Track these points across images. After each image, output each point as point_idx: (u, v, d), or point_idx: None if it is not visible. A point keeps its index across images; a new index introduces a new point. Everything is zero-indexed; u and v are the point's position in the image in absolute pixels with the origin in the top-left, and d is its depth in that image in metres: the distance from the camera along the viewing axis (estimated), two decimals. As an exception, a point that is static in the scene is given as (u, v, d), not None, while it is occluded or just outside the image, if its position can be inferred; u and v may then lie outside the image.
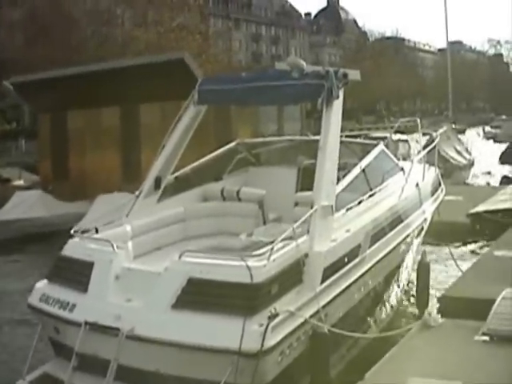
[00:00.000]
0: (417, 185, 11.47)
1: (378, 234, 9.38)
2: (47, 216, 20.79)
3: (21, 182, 28.26)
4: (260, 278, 7.09)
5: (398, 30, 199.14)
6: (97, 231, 8.63)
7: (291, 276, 7.61)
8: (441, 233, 13.83)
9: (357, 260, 8.71)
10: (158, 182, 9.63)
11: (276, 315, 7.01)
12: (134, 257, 8.70)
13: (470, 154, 35.82)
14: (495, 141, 62.16)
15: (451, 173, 28.40)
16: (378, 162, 10.62)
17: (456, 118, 63.74)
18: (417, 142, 22.44)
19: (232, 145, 11.62)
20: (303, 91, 8.96)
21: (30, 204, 21.55)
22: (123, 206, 9.41)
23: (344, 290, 8.31)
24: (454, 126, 42.18)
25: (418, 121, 13.92)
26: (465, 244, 16.89)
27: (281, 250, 7.51)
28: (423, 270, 11.64)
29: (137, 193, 9.45)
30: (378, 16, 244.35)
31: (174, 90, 15.57)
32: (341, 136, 9.10)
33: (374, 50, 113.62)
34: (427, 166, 12.61)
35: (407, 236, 10.63)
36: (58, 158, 25.33)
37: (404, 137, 27.98)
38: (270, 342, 6.86)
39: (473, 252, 16.21)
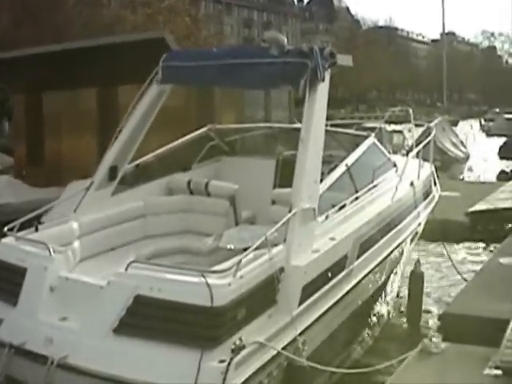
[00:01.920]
0: (411, 184, 10.14)
1: (367, 241, 8.11)
2: (16, 202, 19.43)
3: (-1, 169, 27.07)
4: (223, 300, 5.77)
5: (392, 18, 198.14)
6: (36, 229, 7.37)
7: (262, 297, 6.32)
8: (436, 233, 12.47)
9: (342, 274, 7.44)
10: (112, 171, 8.35)
11: (242, 347, 5.69)
12: (80, 260, 7.54)
13: (465, 146, 34.78)
14: (488, 134, 61.04)
15: (448, 166, 27.27)
16: (368, 157, 9.33)
17: (449, 109, 62.79)
18: (409, 131, 21.25)
19: (202, 130, 10.30)
20: (283, 71, 7.51)
21: None
22: (76, 197, 8.19)
23: (326, 312, 7.03)
24: (446, 116, 41.17)
25: (410, 110, 12.67)
26: (464, 245, 15.56)
27: (250, 264, 6.21)
28: (416, 281, 10.43)
29: (87, 184, 8.19)
30: (370, 4, 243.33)
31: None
32: (326, 125, 7.86)
33: (366, 39, 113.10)
34: (422, 161, 11.24)
35: (400, 243, 9.35)
36: (33, 142, 24.12)
37: (398, 127, 26.80)
38: (234, 381, 5.54)
39: (473, 254, 14.89)
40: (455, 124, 59.70)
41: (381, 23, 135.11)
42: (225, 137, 10.54)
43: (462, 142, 34.96)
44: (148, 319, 5.93)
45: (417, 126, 20.08)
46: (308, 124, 7.23)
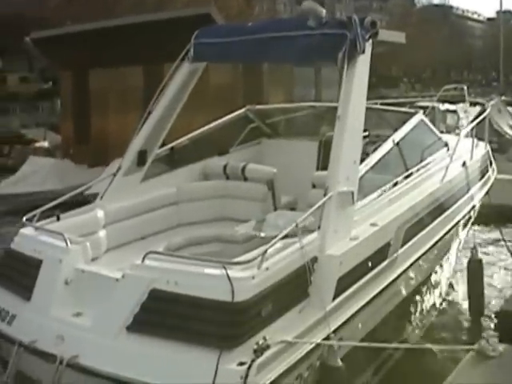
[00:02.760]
0: (463, 164, 9.41)
1: (413, 227, 7.46)
2: (60, 189, 19.13)
3: (45, 144, 27.04)
4: (245, 294, 5.22)
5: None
6: (58, 218, 6.92)
7: (292, 290, 5.73)
8: (492, 218, 11.69)
9: (384, 263, 6.83)
10: (142, 156, 7.86)
11: (266, 347, 5.13)
12: (106, 250, 7.16)
13: (523, 129, 33.56)
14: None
15: (506, 148, 26.24)
16: (416, 135, 8.67)
17: (505, 89, 61.29)
18: (465, 112, 20.38)
19: (241, 111, 9.73)
20: (319, 44, 6.88)
21: (42, 175, 20.07)
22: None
23: (365, 306, 6.43)
24: (503, 97, 39.97)
25: (465, 88, 11.89)
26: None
27: (278, 254, 5.65)
28: (475, 269, 9.54)
29: (114, 170, 7.74)
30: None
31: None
32: (375, 103, 7.25)
33: (420, 17, 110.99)
34: (476, 140, 10.48)
35: (451, 229, 8.66)
36: (80, 120, 24.06)
37: (452, 107, 25.82)
38: None
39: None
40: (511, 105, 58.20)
41: (435, 1, 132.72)
42: (265, 118, 9.98)
43: (519, 124, 33.80)
44: (163, 316, 5.41)
45: (471, 104, 19.11)
46: (346, 100, 6.61)
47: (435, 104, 17.57)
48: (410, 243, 7.35)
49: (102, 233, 7.23)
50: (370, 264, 6.55)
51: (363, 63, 6.82)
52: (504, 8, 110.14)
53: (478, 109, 17.89)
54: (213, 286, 5.28)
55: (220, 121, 9.38)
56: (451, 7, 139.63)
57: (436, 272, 9.03)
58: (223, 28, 8.36)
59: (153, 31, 19.58)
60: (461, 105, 22.06)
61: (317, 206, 6.14)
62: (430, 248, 7.92)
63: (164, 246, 7.05)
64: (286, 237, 5.78)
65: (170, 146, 8.55)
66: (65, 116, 25.91)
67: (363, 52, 6.74)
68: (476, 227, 11.26)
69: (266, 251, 5.45)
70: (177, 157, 8.59)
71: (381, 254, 6.79)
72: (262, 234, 6.76)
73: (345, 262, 6.16)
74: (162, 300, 5.43)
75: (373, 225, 6.82)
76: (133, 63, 21.66)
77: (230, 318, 5.21)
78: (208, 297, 5.25)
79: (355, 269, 6.32)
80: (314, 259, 5.96)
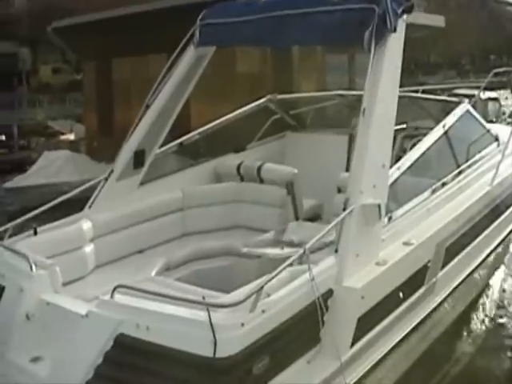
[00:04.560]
0: None
1: (457, 243, 6.27)
2: (77, 180, 18.17)
3: (71, 136, 26.25)
4: (231, 348, 4.09)
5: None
6: (35, 232, 5.86)
7: (298, 335, 4.57)
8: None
9: (420, 292, 5.66)
10: (139, 157, 6.78)
11: None
12: (95, 267, 6.16)
13: None
14: None
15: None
16: (462, 128, 7.44)
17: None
18: (506, 99, 19.24)
19: (261, 101, 8.54)
20: (343, 20, 5.62)
21: (57, 167, 19.15)
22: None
23: (393, 350, 5.27)
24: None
25: None
26: None
27: (280, 289, 4.50)
28: None
29: (106, 173, 6.68)
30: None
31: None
32: (415, 91, 6.04)
33: (458, 2, 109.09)
34: None
35: (502, 241, 7.45)
36: (103, 112, 23.20)
37: (493, 94, 24.27)
38: None
39: None
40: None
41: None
42: (289, 108, 8.83)
43: None
44: (129, 371, 4.30)
45: None
46: (374, 88, 5.37)
47: (480, 92, 16.33)
48: (452, 263, 6.20)
49: (88, 248, 6.17)
50: (401, 295, 5.39)
51: (395, 44, 5.57)
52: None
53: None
54: (191, 335, 4.16)
55: (236, 112, 8.24)
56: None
57: (483, 294, 7.82)
58: (233, 6, 6.99)
59: (177, 16, 18.60)
60: (501, 91, 20.80)
61: (333, 223, 4.97)
62: (477, 267, 6.75)
63: (163, 262, 6.03)
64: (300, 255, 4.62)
65: (177, 141, 7.51)
66: (88, 108, 25.11)
67: (395, 30, 5.48)
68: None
69: (262, 287, 4.26)
70: (184, 155, 7.59)
71: (416, 281, 5.63)
72: (277, 252, 5.66)
73: (368, 296, 4.99)
74: (129, 350, 4.35)
75: (406, 244, 5.62)
76: (156, 51, 20.70)
77: (210, 379, 4.07)
78: (185, 350, 4.13)
79: (382, 303, 5.14)
80: (329, 293, 4.81)
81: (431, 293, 5.86)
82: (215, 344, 3.98)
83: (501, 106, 25.23)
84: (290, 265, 4.60)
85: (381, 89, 5.38)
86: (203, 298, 4.32)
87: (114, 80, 22.83)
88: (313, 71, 19.79)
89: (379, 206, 5.21)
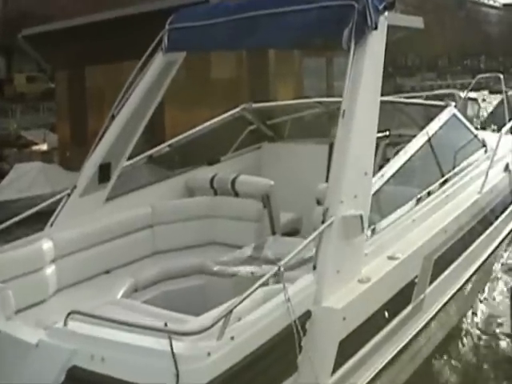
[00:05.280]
0: (506, 168, 7.80)
1: (446, 255, 5.87)
2: (50, 193, 17.62)
3: (44, 146, 25.76)
4: (195, 382, 3.64)
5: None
6: None
7: (272, 364, 4.08)
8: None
9: (407, 310, 5.24)
10: (105, 171, 6.28)
11: None
12: (57, 290, 5.71)
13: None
14: None
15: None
16: (449, 134, 7.06)
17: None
18: (484, 100, 19.15)
19: (236, 111, 8.10)
20: (319, 18, 5.19)
21: (29, 180, 18.65)
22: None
23: (379, 375, 4.81)
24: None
25: (501, 77, 10.33)
26: None
27: (251, 312, 4.05)
28: None
29: (68, 190, 6.22)
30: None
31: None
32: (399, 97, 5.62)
33: (436, 4, 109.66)
34: None
35: (493, 251, 7.07)
36: (76, 121, 22.73)
37: (473, 95, 23.92)
38: None
39: None
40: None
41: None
42: (266, 118, 8.38)
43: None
44: None
45: (491, 92, 18.00)
46: (354, 88, 4.95)
47: (455, 92, 16.05)
48: (441, 277, 5.79)
49: (49, 270, 5.68)
50: (386, 314, 4.94)
51: (376, 42, 5.17)
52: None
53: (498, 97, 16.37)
54: (151, 367, 3.70)
55: (210, 122, 7.82)
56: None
57: (473, 308, 7.41)
58: (203, 9, 6.59)
59: (150, 22, 18.18)
60: (482, 92, 20.60)
61: (311, 237, 4.51)
62: (467, 281, 6.34)
63: (130, 283, 5.60)
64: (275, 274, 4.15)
65: (146, 154, 7.07)
66: (61, 117, 24.67)
67: (376, 28, 5.07)
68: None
69: (231, 311, 3.79)
70: (154, 168, 7.14)
71: (402, 298, 5.20)
72: (252, 269, 5.18)
73: (350, 317, 4.54)
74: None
75: (391, 258, 5.19)
76: (130, 58, 20.28)
77: None
78: (143, 383, 3.67)
79: (365, 324, 4.69)
80: (307, 315, 4.35)
81: (419, 310, 5.45)
82: (177, 377, 3.55)
83: (480, 107, 24.95)
84: (266, 284, 4.16)
85: (362, 89, 4.97)
86: (165, 324, 3.86)
87: (86, 88, 22.41)
88: (290, 75, 19.45)
89: (361, 217, 4.77)
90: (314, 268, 4.55)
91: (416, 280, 5.37)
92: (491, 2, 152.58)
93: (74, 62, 21.63)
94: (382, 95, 5.45)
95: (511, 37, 74.41)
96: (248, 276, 5.08)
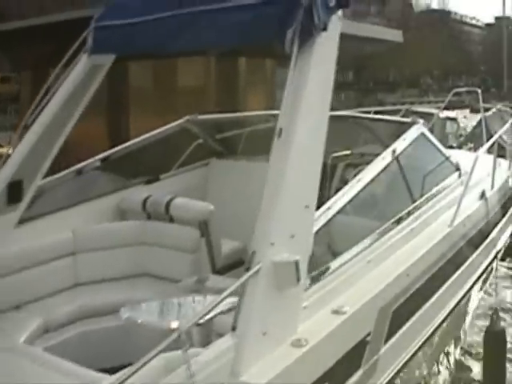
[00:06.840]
0: (482, 195, 6.85)
1: (406, 305, 4.77)
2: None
3: (9, 150, 24.75)
4: None
5: (445, 1, 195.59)
6: None
7: None
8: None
9: (356, 376, 4.15)
10: (15, 190, 5.35)
11: None
12: None
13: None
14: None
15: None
16: (415, 156, 6.09)
17: (503, 95, 59.79)
18: (465, 118, 18.75)
19: (179, 122, 7.23)
20: (259, 17, 4.26)
21: None
22: None
23: None
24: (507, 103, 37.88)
25: (479, 92, 9.48)
26: None
27: None
28: (494, 342, 6.60)
29: None
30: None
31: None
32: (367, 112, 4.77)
33: (419, 22, 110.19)
34: (498, 160, 7.81)
35: (464, 295, 6.10)
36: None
37: (452, 113, 22.97)
38: None
39: None
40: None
41: (434, 6, 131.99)
42: (213, 131, 7.54)
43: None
44: None
45: (472, 111, 17.72)
46: (296, 101, 3.99)
47: (434, 110, 15.33)
48: (399, 333, 4.69)
49: None
50: None
51: (326, 45, 4.19)
52: (502, 14, 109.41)
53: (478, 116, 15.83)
54: None
55: (149, 134, 6.96)
56: (450, 12, 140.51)
57: (439, 362, 6.43)
58: (133, 3, 5.55)
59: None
60: (462, 110, 20.07)
61: (228, 290, 3.47)
62: (431, 335, 5.31)
63: (39, 323, 4.80)
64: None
65: (72, 169, 6.23)
66: (22, 119, 23.88)
67: (325, 29, 4.11)
68: (497, 279, 8.35)
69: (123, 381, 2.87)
70: (80, 186, 6.26)
71: (350, 363, 4.12)
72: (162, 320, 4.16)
73: None
74: None
75: (337, 312, 4.11)
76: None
77: None
78: None
79: None
80: None
81: (370, 376, 4.39)
82: None
83: (459, 127, 24.13)
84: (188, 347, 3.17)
85: (304, 103, 3.99)
86: None
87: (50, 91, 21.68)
88: (261, 85, 18.81)
89: (296, 263, 3.73)
90: (233, 329, 3.57)
91: (368, 338, 4.35)
92: (474, 22, 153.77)
93: (36, 63, 20.87)
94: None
95: (494, 55, 74.49)
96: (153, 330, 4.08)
